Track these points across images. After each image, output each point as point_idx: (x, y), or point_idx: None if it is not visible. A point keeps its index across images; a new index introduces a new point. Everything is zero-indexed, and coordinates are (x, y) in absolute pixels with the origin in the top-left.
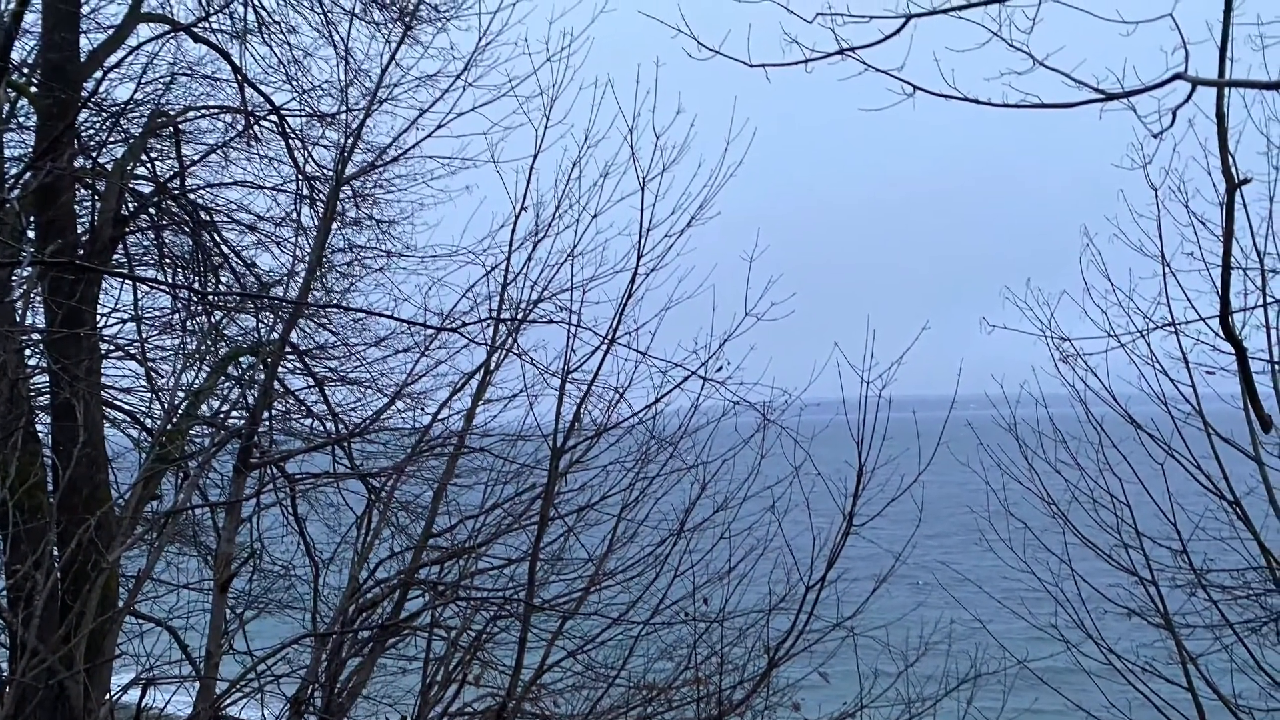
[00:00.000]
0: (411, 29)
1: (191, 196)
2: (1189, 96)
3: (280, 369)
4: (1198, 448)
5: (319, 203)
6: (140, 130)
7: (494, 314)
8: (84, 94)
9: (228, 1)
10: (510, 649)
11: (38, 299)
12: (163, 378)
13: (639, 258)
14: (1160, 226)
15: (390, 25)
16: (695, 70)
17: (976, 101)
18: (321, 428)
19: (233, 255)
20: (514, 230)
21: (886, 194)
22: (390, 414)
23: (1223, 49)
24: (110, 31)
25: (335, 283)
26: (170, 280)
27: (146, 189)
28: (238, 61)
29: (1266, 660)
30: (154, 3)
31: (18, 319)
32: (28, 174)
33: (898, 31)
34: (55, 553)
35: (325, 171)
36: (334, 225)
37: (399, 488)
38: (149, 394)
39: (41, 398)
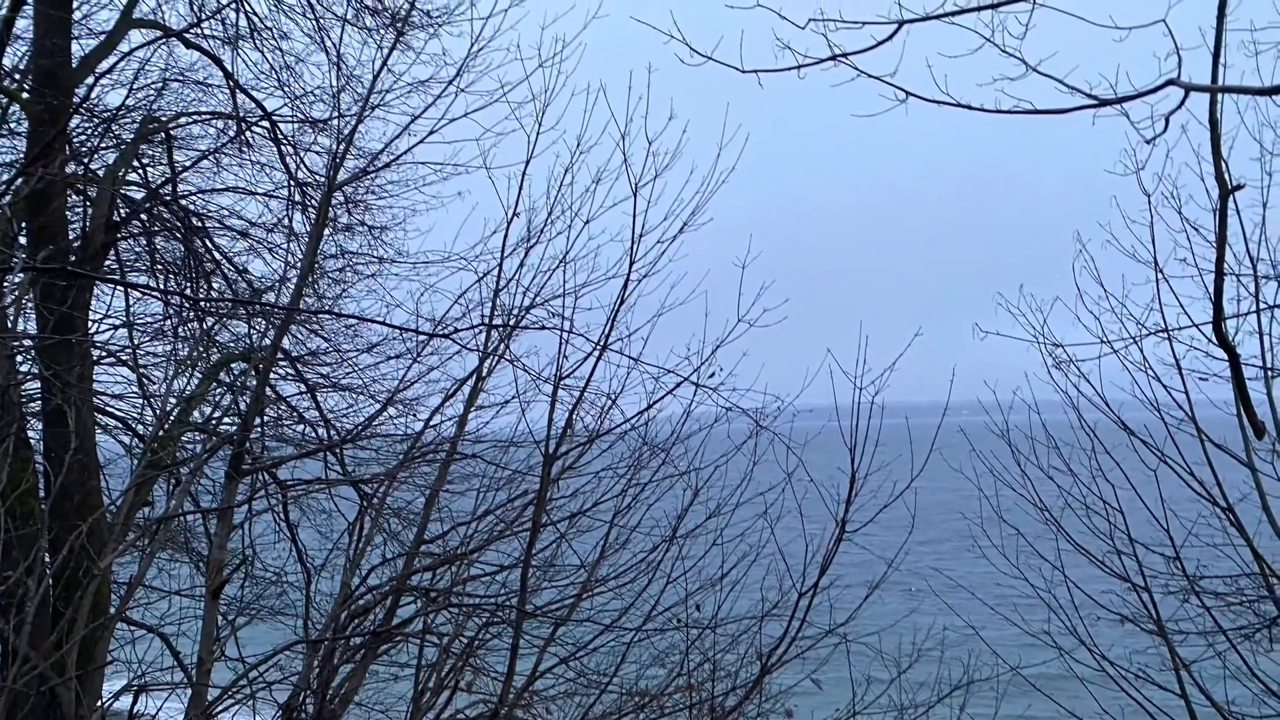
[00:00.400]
0: (403, 35)
1: (183, 202)
2: (1182, 102)
3: (272, 375)
4: (1191, 454)
5: (311, 209)
6: (132, 136)
7: (486, 320)
8: (76, 100)
9: (219, 7)
10: (502, 656)
11: (29, 305)
12: (154, 384)
13: (631, 264)
14: (1153, 232)
15: (382, 31)
16: (687, 76)
17: (969, 107)
18: (313, 434)
19: (225, 261)
20: (506, 236)
21: (879, 200)
22: (382, 420)
23: (1216, 55)
24: (102, 37)
25: (327, 289)
26: (162, 286)
27: (138, 195)
28: (229, 67)
29: (1260, 667)
30: (145, 9)
31: (9, 325)
32: (19, 180)
33: (890, 37)
34: (47, 559)
35: (317, 177)
36: (326, 231)
37: (391, 494)
38: (141, 400)
39: (33, 404)
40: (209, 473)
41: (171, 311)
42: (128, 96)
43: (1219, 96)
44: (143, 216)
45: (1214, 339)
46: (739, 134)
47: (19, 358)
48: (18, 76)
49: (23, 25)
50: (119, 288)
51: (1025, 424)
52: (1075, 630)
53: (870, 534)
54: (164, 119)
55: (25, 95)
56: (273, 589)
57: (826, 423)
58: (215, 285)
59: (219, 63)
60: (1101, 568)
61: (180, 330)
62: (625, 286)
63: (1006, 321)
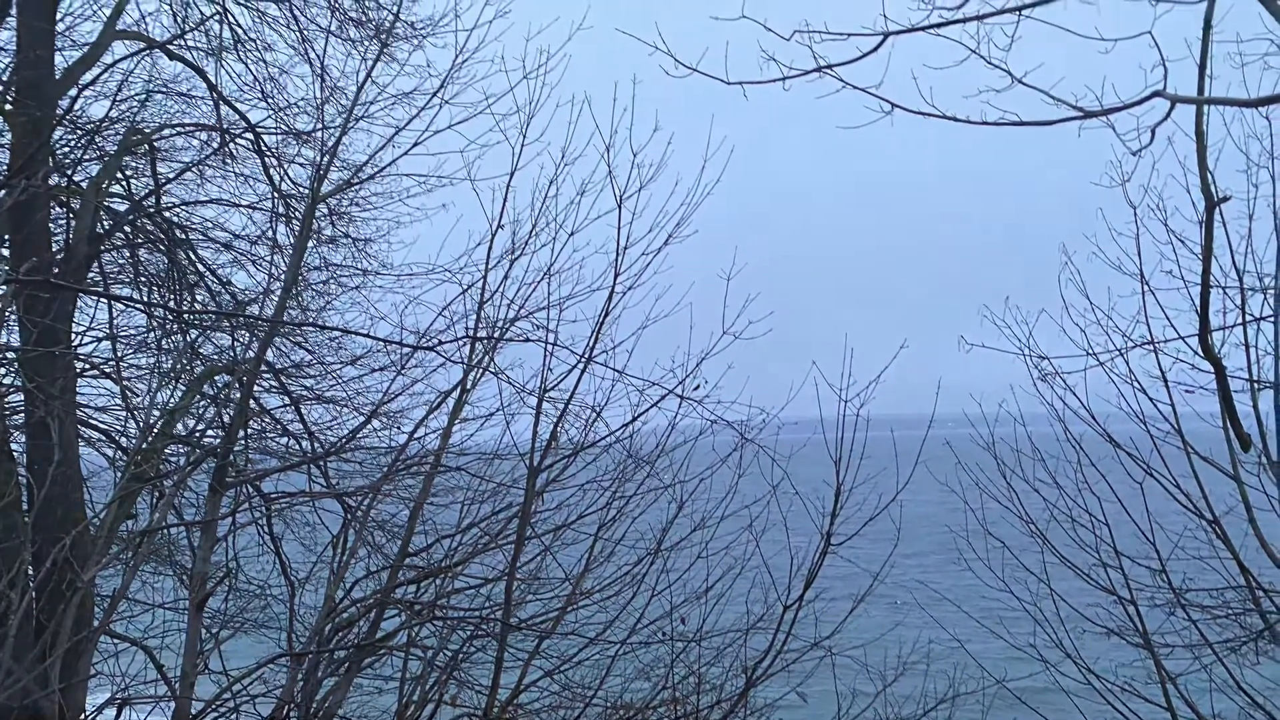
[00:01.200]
0: (388, 46)
1: (167, 214)
2: (1168, 114)
3: (256, 388)
4: (1177, 467)
5: (295, 220)
6: (116, 148)
7: (470, 332)
8: (59, 111)
9: (203, 19)
10: (487, 669)
11: (12, 317)
12: (138, 396)
13: (616, 276)
14: (1139, 244)
15: (366, 43)
16: (673, 88)
17: (954, 119)
18: (297, 446)
19: (208, 273)
20: (490, 248)
21: (866, 211)
22: (366, 433)
23: (1202, 66)
24: (85, 49)
25: (311, 301)
26: (145, 298)
27: (122, 207)
28: (213, 79)
29: (1245, 680)
30: (129, 20)
31: None
32: (2, 192)
33: (875, 49)
34: (30, 572)
35: (301, 189)
36: (310, 243)
37: (375, 507)
38: (124, 413)
39: (16, 416)
40: (192, 485)
41: (155, 324)
42: (111, 108)
43: (1205, 108)
44: (126, 228)
45: (1200, 351)
46: (724, 146)
47: (2, 370)
48: (1, 88)
49: (5, 37)
50: (102, 300)
51: (1011, 437)
52: (1061, 643)
53: (855, 547)
54: (147, 130)
55: (8, 106)
56: (256, 602)
57: (811, 435)
58: (199, 297)
59: (203, 74)
60: (1087, 580)
61: (164, 342)
62: (610, 299)
63: (992, 334)
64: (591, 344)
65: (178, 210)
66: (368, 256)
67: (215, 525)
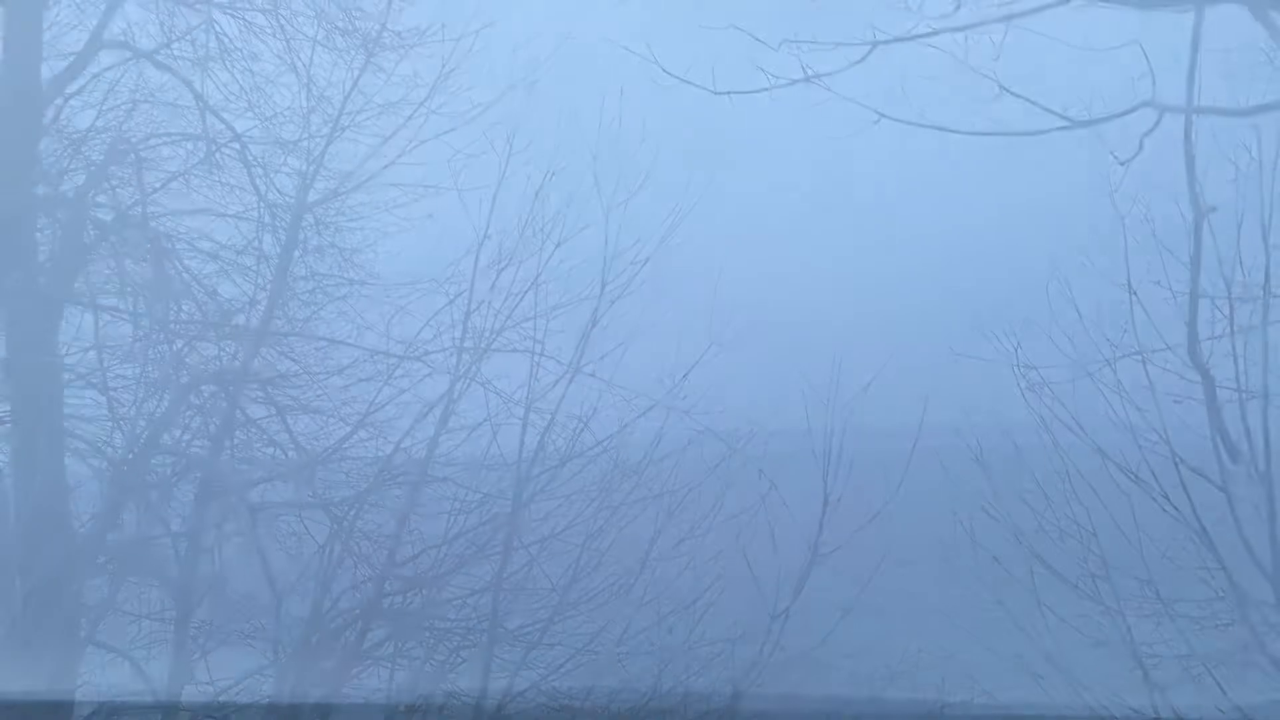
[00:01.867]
0: (375, 56)
1: (153, 224)
2: (1156, 123)
3: (242, 398)
4: (1165, 478)
5: (281, 230)
6: (102, 158)
7: (457, 343)
8: (45, 121)
9: (190, 29)
10: (474, 679)
11: None
12: (124, 407)
13: (603, 286)
14: (1127, 254)
15: (353, 52)
16: (662, 96)
17: (943, 129)
18: (284, 457)
19: (195, 283)
20: (477, 259)
21: (855, 213)
22: (353, 443)
23: (1191, 77)
24: (71, 59)
25: (297, 311)
26: (131, 309)
27: (108, 217)
28: (199, 89)
29: (1234, 691)
30: (115, 30)
31: None
32: None
33: (863, 59)
34: (17, 584)
35: (287, 199)
36: (296, 253)
37: (362, 517)
38: (110, 423)
39: (2, 427)
40: (179, 496)
41: (141, 334)
42: (97, 118)
43: (1193, 118)
44: (112, 239)
45: (1189, 362)
46: (712, 154)
47: None
48: None
49: None
50: (88, 310)
51: (999, 447)
52: (1048, 654)
53: (843, 557)
54: (133, 140)
55: None
56: (243, 612)
57: (800, 445)
58: (185, 307)
59: (189, 84)
60: (1076, 591)
61: (150, 353)
62: (597, 309)
63: (981, 343)
64: (579, 354)
65: (164, 220)
66: (354, 266)
67: (201, 536)
